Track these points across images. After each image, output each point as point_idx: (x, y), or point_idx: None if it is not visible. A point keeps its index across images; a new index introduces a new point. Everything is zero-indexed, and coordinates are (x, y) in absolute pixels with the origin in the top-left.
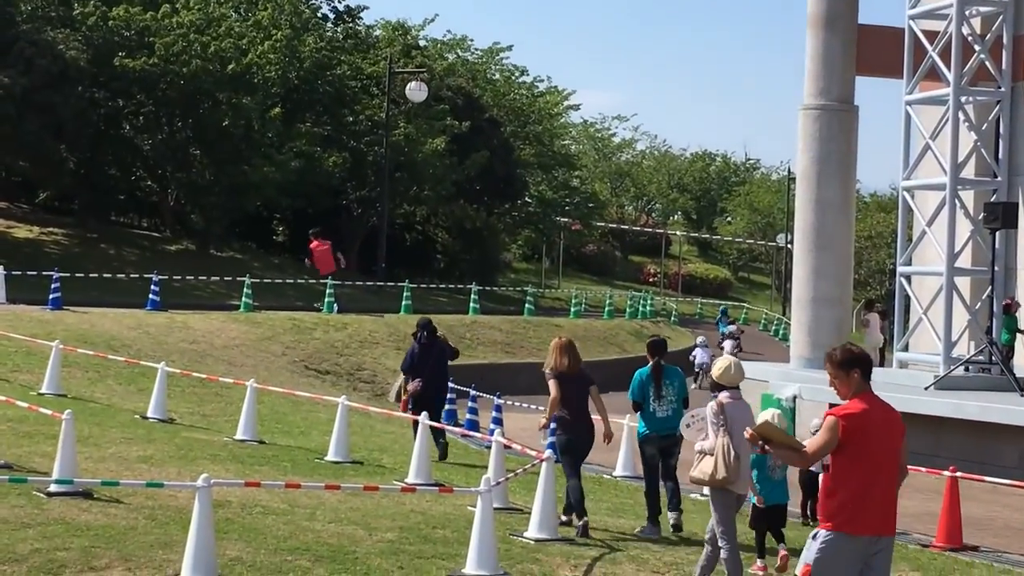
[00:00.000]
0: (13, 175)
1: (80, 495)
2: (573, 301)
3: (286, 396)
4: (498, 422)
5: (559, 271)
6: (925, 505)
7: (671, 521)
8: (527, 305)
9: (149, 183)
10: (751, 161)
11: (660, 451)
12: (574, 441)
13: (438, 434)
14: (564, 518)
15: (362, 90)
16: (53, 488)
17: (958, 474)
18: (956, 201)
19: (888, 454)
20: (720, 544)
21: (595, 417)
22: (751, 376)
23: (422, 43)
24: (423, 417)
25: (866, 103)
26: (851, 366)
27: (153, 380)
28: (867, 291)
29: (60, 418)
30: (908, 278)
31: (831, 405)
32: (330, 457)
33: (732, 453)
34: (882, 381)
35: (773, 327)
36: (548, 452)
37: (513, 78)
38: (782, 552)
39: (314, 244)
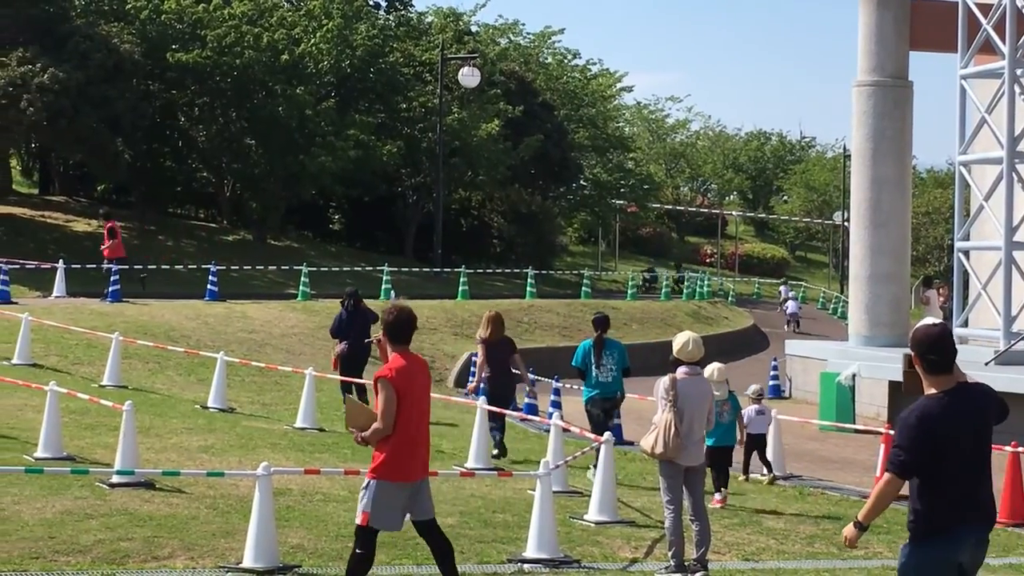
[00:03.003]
0: (71, 169)
1: (142, 485)
2: (630, 283)
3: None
4: (557, 405)
5: (615, 253)
6: None
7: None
8: (584, 288)
9: (205, 174)
10: (806, 139)
11: (603, 411)
12: (495, 392)
13: (362, 392)
14: (495, 451)
15: (415, 77)
16: (115, 479)
17: (1020, 449)
18: (1014, 175)
19: (424, 403)
20: (665, 512)
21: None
22: (810, 354)
23: (474, 29)
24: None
25: (921, 78)
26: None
27: (212, 370)
28: (925, 267)
29: (121, 409)
30: (966, 253)
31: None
32: None
33: (673, 430)
34: None
35: (831, 305)
36: (607, 435)
37: (565, 61)
38: (724, 493)
39: (114, 225)
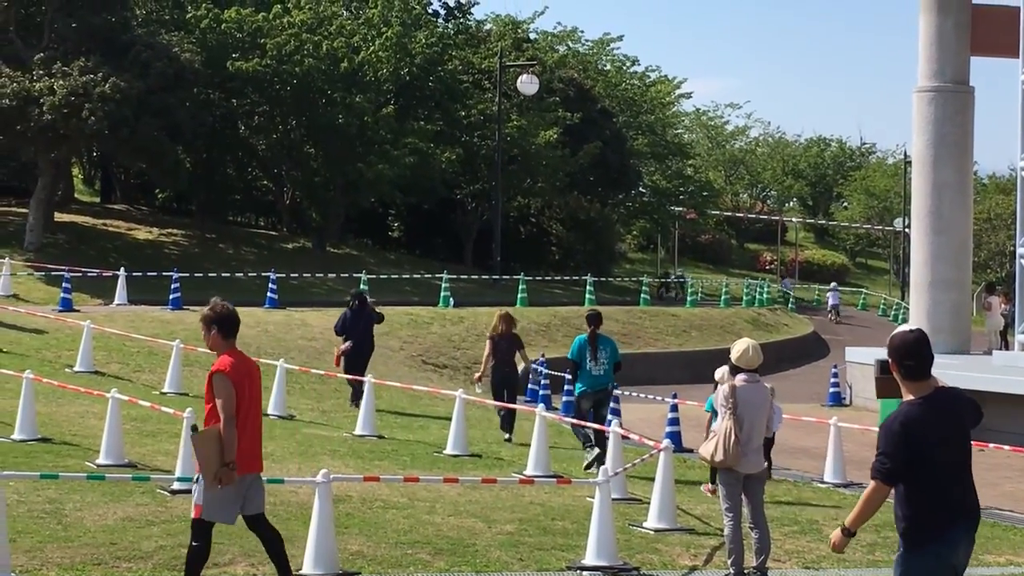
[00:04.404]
0: (132, 178)
1: None
2: (689, 290)
3: (404, 391)
4: (615, 412)
5: (674, 260)
6: None
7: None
8: (643, 295)
9: (265, 182)
10: (867, 145)
11: (594, 404)
12: (500, 381)
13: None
14: (506, 436)
15: (474, 84)
16: (176, 486)
17: None
18: None
19: (255, 401)
20: (724, 519)
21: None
22: (870, 361)
23: (532, 36)
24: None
25: (983, 83)
26: (209, 324)
27: (272, 377)
28: (987, 274)
29: (182, 416)
30: None
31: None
32: (449, 451)
33: (732, 437)
34: (1004, 364)
35: (892, 312)
36: (666, 442)
37: (624, 68)
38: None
39: None
